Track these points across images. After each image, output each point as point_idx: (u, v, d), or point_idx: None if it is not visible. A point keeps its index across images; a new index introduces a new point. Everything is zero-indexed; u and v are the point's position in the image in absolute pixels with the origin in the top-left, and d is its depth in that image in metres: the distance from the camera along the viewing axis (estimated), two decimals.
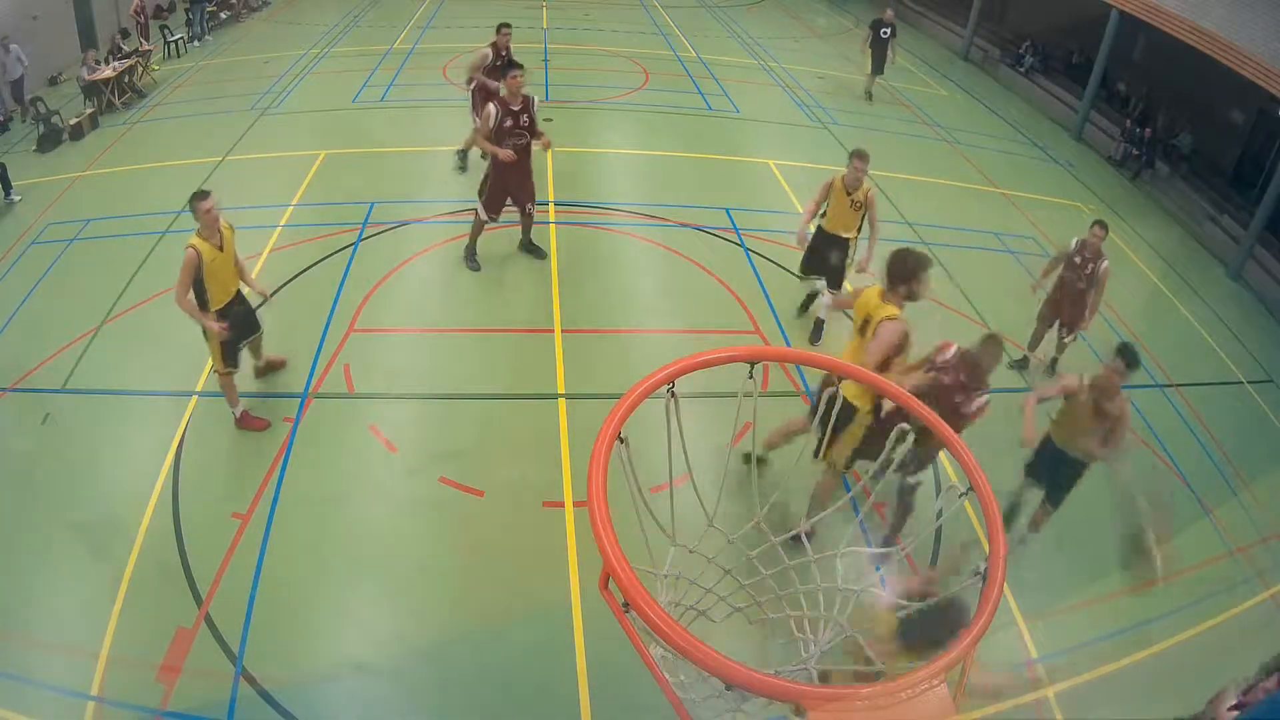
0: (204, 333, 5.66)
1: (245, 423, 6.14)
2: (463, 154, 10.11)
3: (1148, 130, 13.22)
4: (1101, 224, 6.97)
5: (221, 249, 5.59)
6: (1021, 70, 16.83)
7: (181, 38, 15.01)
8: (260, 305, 6.28)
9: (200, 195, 5.48)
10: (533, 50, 15.45)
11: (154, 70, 13.57)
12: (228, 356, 5.83)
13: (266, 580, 5.05)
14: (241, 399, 6.11)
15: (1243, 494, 6.79)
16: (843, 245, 7.24)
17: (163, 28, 15.37)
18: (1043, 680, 5.01)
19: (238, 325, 5.83)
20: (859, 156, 6.88)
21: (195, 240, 5.45)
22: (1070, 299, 7.15)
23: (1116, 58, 14.31)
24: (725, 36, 17.50)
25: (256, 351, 6.40)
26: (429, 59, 14.49)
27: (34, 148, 10.59)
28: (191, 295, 5.46)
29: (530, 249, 8.46)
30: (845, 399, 4.54)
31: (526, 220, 8.26)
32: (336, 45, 15.39)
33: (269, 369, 6.62)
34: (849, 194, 6.98)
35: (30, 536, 5.28)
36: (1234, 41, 11.02)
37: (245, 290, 5.99)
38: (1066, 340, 7.45)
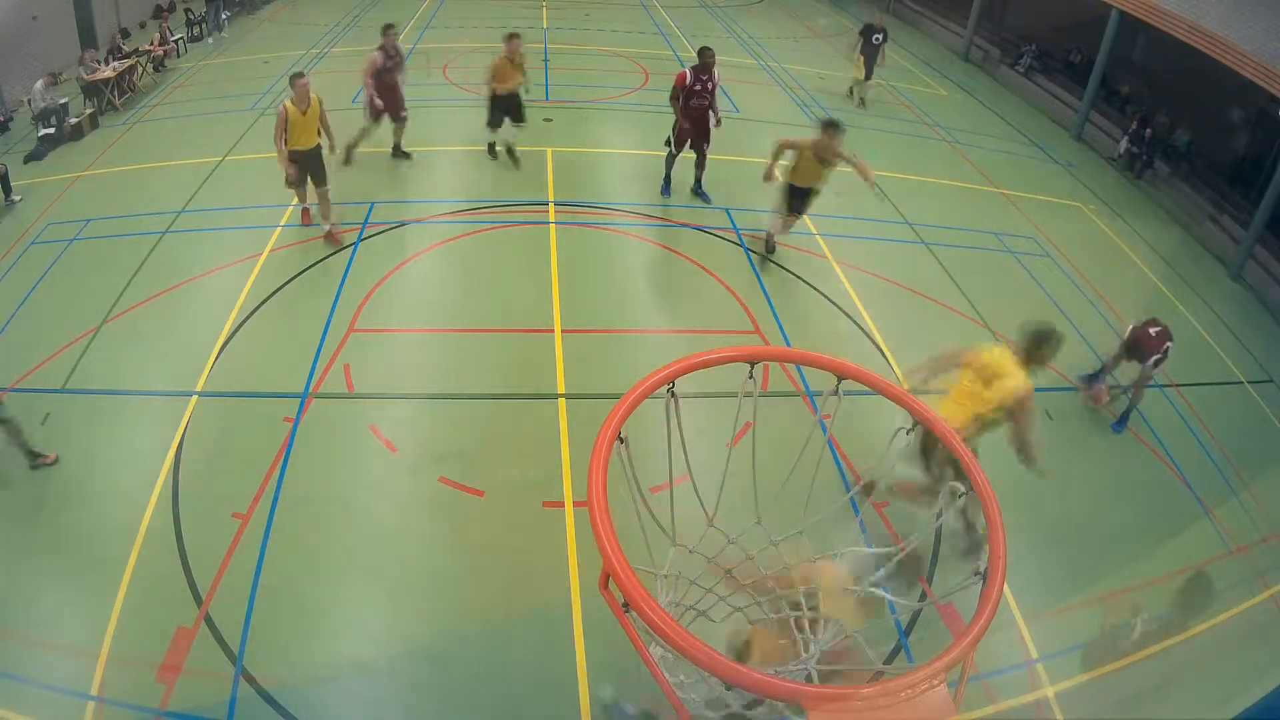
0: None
1: (304, 218, 8.74)
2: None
3: (1149, 130, 13.21)
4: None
5: (305, 113, 7.88)
6: (1021, 70, 16.83)
7: (182, 38, 15.06)
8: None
9: (298, 75, 7.89)
10: (533, 50, 15.42)
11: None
12: (295, 184, 8.32)
13: (266, 580, 5.05)
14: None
15: (1243, 494, 6.79)
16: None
17: (190, 23, 15.57)
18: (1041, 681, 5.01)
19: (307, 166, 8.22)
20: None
21: (287, 103, 7.87)
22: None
23: (1116, 58, 14.31)
24: (725, 36, 17.49)
25: (324, 209, 8.48)
26: (429, 59, 14.49)
27: (26, 154, 10.51)
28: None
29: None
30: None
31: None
32: (336, 45, 15.40)
33: (331, 239, 8.48)
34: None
35: (30, 536, 5.28)
36: (1234, 41, 11.02)
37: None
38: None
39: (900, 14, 21.98)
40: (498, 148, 10.43)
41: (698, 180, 9.96)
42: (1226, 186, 12.32)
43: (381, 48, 9.43)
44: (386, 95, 9.56)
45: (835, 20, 20.61)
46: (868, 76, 14.03)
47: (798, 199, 8.41)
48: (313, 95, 7.92)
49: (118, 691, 4.42)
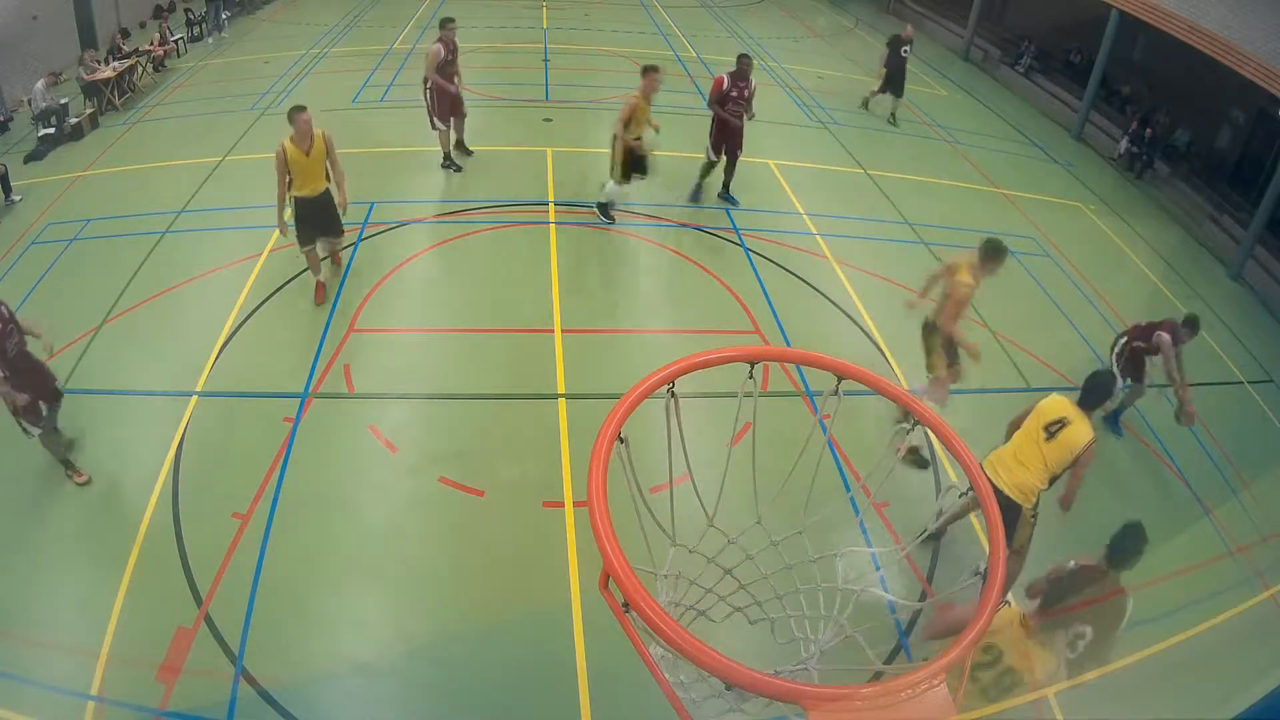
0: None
1: (319, 294, 7.52)
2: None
3: (1149, 130, 13.22)
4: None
5: (308, 154, 6.85)
6: (1021, 70, 16.83)
7: (182, 38, 15.06)
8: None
9: (298, 108, 6.76)
10: (533, 50, 15.46)
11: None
12: (301, 239, 7.24)
13: (266, 580, 5.05)
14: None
15: (1243, 494, 6.79)
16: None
17: (190, 23, 15.57)
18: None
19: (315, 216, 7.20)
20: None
21: (285, 142, 6.78)
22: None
23: (1116, 58, 14.31)
24: (725, 36, 17.50)
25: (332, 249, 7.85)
26: None
27: (27, 154, 10.50)
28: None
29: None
30: (1008, 497, 5.00)
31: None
32: (336, 45, 15.40)
33: (331, 260, 7.95)
34: None
35: (30, 536, 5.29)
36: (1234, 41, 11.02)
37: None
38: None
39: (900, 14, 21.98)
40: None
41: (726, 185, 9.91)
42: (1226, 186, 12.34)
43: (441, 40, 9.30)
44: (445, 92, 9.42)
45: (834, 20, 20.63)
46: (899, 93, 13.22)
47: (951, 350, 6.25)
48: (317, 131, 6.82)
49: (118, 691, 4.42)
